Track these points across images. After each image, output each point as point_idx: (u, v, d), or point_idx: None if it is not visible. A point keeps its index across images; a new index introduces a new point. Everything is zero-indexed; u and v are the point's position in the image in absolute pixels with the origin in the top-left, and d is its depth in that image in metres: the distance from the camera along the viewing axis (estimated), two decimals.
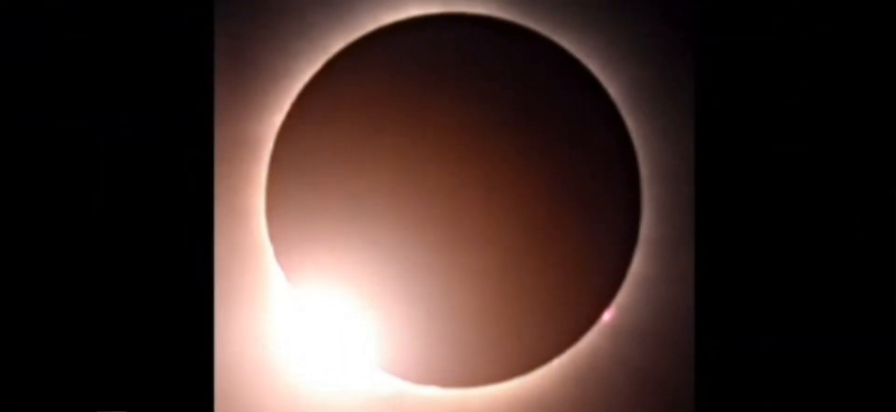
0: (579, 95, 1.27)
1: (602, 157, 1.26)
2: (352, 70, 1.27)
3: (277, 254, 1.25)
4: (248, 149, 1.26)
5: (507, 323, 1.25)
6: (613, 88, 1.27)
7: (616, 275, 1.26)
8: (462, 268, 1.25)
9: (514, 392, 1.26)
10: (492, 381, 1.26)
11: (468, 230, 1.25)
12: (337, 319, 1.25)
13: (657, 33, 1.26)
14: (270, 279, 1.25)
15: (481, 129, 1.26)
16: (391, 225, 1.25)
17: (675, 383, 1.25)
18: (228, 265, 1.25)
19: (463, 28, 1.28)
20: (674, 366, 1.25)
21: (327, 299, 1.25)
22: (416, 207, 1.25)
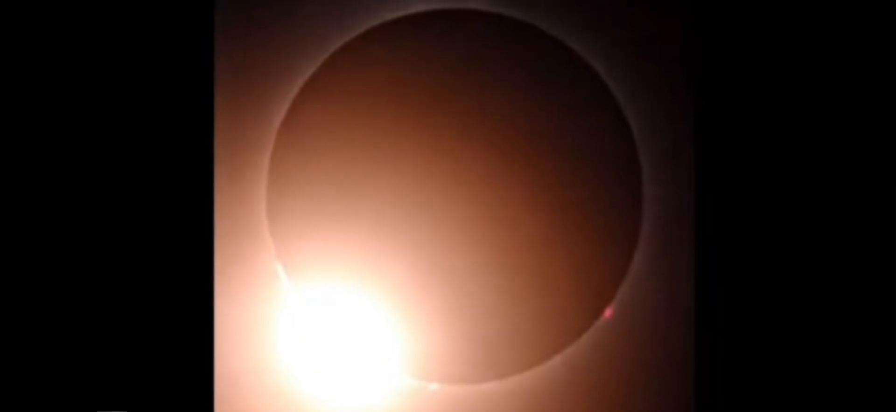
0: (582, 95, 1.27)
1: (603, 157, 1.26)
2: (352, 67, 1.27)
3: (278, 252, 1.26)
4: (248, 149, 1.26)
5: (508, 320, 1.25)
6: (616, 88, 1.27)
7: (617, 273, 1.26)
8: (463, 267, 1.25)
9: (516, 388, 1.26)
10: (494, 377, 1.26)
11: (469, 229, 1.25)
12: (337, 317, 1.26)
13: (660, 35, 1.26)
14: (271, 278, 1.26)
15: (483, 128, 1.26)
16: (392, 223, 1.25)
17: (674, 378, 1.25)
18: (229, 264, 1.25)
19: (464, 25, 1.28)
20: (673, 362, 1.25)
21: (328, 297, 1.26)
22: (417, 206, 1.25)
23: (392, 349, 1.26)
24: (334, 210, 1.25)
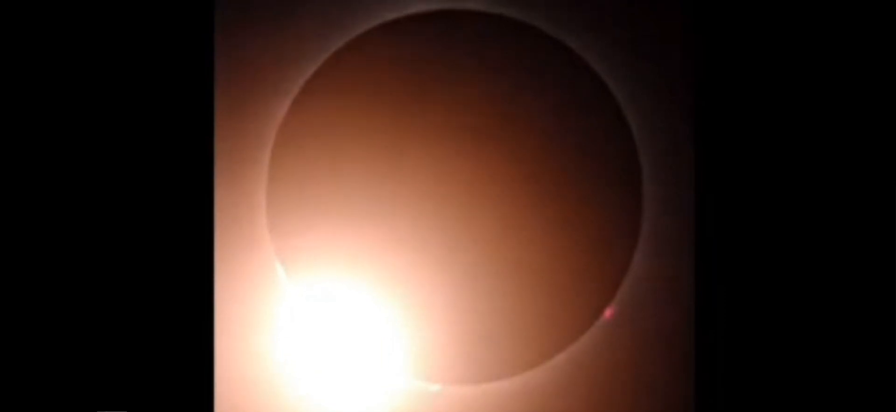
0: (582, 95, 1.27)
1: (603, 157, 1.26)
2: (352, 67, 1.27)
3: (278, 251, 1.25)
4: (248, 148, 1.26)
5: (508, 320, 1.25)
6: (616, 88, 1.27)
7: (617, 273, 1.26)
8: (463, 266, 1.25)
9: (516, 388, 1.26)
10: (494, 378, 1.26)
11: (469, 229, 1.25)
12: (337, 317, 1.26)
13: (660, 35, 1.26)
14: (271, 277, 1.26)
15: (482, 128, 1.26)
16: (392, 223, 1.25)
17: (674, 378, 1.25)
18: (229, 263, 1.25)
19: (464, 25, 1.28)
20: (673, 362, 1.25)
21: (327, 297, 1.26)
22: (417, 206, 1.25)
23: (393, 349, 1.25)
24: (334, 209, 1.25)
